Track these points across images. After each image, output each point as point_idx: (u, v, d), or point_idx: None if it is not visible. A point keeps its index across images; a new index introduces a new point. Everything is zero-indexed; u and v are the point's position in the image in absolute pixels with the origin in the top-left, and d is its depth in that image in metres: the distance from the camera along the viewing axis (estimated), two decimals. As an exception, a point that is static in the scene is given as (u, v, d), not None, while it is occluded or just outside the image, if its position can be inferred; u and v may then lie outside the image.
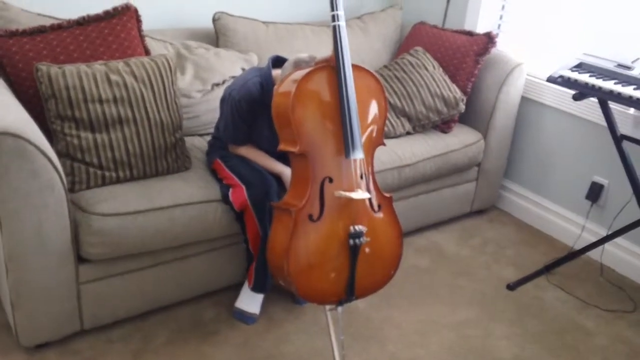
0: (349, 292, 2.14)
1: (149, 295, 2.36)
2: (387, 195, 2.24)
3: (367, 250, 2.14)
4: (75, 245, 2.11)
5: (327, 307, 2.24)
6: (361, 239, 2.09)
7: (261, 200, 2.28)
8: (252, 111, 2.36)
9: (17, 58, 2.30)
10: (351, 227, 2.08)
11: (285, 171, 2.37)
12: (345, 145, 2.08)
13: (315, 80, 2.05)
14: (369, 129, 2.17)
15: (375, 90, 2.18)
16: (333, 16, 2.05)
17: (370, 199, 2.16)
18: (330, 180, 2.08)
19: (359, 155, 2.09)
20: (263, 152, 2.46)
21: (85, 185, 2.23)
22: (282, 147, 2.11)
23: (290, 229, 2.04)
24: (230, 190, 2.33)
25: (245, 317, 2.44)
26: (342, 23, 2.04)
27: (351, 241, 2.08)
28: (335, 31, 2.04)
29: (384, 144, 2.25)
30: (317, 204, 2.07)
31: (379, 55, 3.48)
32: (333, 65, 2.07)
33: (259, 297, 2.48)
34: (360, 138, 2.09)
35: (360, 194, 2.07)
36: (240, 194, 2.30)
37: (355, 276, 2.13)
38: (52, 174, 1.94)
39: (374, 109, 2.18)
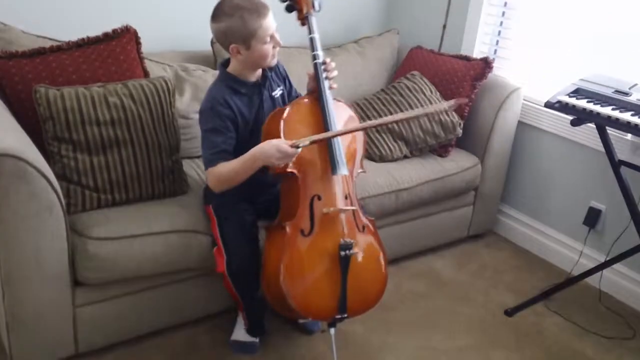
0: (341, 308, 2.18)
1: (144, 319, 2.34)
2: (370, 218, 2.36)
3: (355, 262, 2.20)
4: (72, 268, 2.09)
5: (320, 329, 2.33)
6: (351, 251, 2.17)
7: (240, 275, 2.25)
8: (229, 115, 2.21)
9: (17, 80, 2.29)
10: (341, 240, 2.17)
11: (254, 150, 2.12)
12: (331, 161, 2.22)
13: (300, 109, 2.27)
14: (350, 152, 2.34)
15: (352, 118, 2.41)
16: (313, 55, 2.31)
17: (355, 219, 2.26)
18: (319, 198, 2.20)
19: (344, 171, 2.23)
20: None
21: (81, 208, 2.21)
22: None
23: (283, 243, 2.13)
24: (215, 249, 2.28)
25: (246, 346, 2.39)
26: (320, 61, 2.30)
27: (342, 253, 2.16)
28: (316, 67, 2.30)
29: (364, 170, 2.41)
30: (308, 221, 2.18)
31: (376, 79, 3.48)
32: (315, 96, 2.30)
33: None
34: (344, 155, 2.25)
35: (347, 205, 2.24)
36: (221, 263, 2.25)
37: (347, 289, 2.18)
38: (51, 196, 1.92)
39: (352, 135, 2.37)
